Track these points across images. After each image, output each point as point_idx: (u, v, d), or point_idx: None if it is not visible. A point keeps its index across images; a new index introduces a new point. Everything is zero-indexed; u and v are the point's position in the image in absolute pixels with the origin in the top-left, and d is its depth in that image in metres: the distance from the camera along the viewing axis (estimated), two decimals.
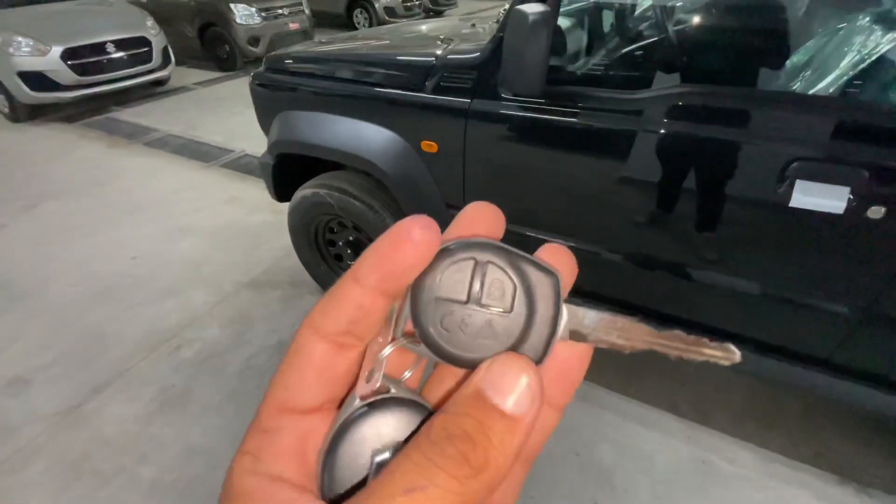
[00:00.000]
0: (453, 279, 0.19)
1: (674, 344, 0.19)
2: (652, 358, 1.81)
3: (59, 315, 2.11)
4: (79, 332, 2.02)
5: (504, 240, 0.20)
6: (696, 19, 1.68)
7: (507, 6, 2.20)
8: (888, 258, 1.05)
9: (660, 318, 1.41)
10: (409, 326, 0.19)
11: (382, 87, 1.47)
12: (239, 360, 1.88)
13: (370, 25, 8.98)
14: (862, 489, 1.43)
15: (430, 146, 1.45)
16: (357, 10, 9.02)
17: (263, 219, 2.77)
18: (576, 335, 0.20)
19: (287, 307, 2.15)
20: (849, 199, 1.00)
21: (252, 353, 1.91)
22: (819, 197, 1.03)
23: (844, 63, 1.36)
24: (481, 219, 0.21)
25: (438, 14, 11.22)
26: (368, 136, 1.52)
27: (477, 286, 0.19)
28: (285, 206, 1.98)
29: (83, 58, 4.32)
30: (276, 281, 2.29)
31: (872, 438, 1.56)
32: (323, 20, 8.93)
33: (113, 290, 2.25)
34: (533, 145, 1.32)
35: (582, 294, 1.52)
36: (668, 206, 1.21)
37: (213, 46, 6.11)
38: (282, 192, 1.98)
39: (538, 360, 0.19)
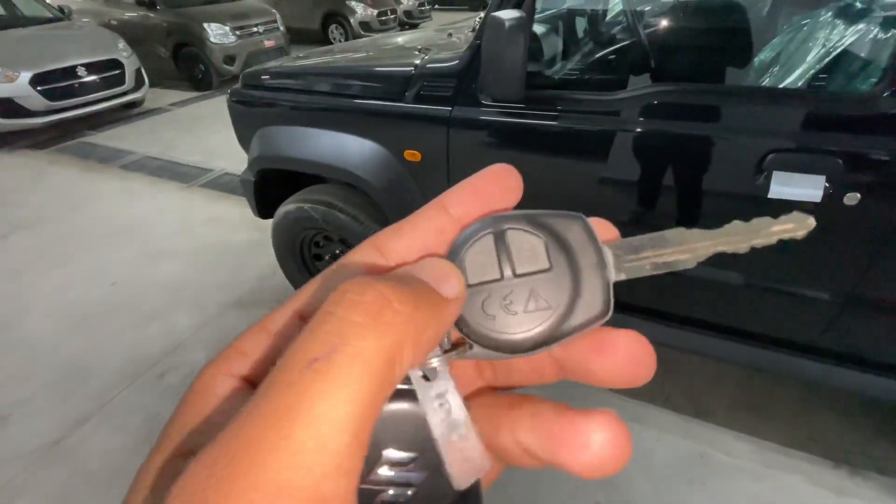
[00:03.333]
0: (478, 261, 0.17)
1: (736, 237, 0.18)
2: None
3: (37, 347, 2.04)
4: (58, 363, 1.95)
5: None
6: (666, 22, 1.73)
7: (482, 15, 2.23)
8: (866, 243, 1.08)
9: (650, 315, 1.42)
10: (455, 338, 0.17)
11: (362, 98, 1.47)
12: None
13: (346, 40, 9.02)
14: (855, 471, 1.45)
15: (413, 155, 1.45)
16: (332, 26, 9.06)
17: (247, 237, 2.73)
18: (630, 269, 0.18)
19: None
20: (825, 187, 1.03)
21: None
22: (796, 187, 1.06)
23: (810, 57, 1.41)
24: (492, 186, 0.19)
25: (414, 27, 11.36)
26: (351, 148, 1.52)
27: (505, 257, 0.17)
28: (268, 223, 1.96)
29: (53, 83, 4.23)
30: (263, 300, 2.25)
31: (861, 419, 1.59)
32: (298, 36, 8.93)
33: (92, 319, 2.18)
34: (515, 150, 1.33)
35: None
36: (651, 204, 1.23)
37: (187, 66, 6.06)
38: (264, 208, 1.95)
39: (605, 312, 0.17)
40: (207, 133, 4.48)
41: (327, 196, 1.71)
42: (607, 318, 0.17)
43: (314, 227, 1.79)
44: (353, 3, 8.93)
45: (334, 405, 0.11)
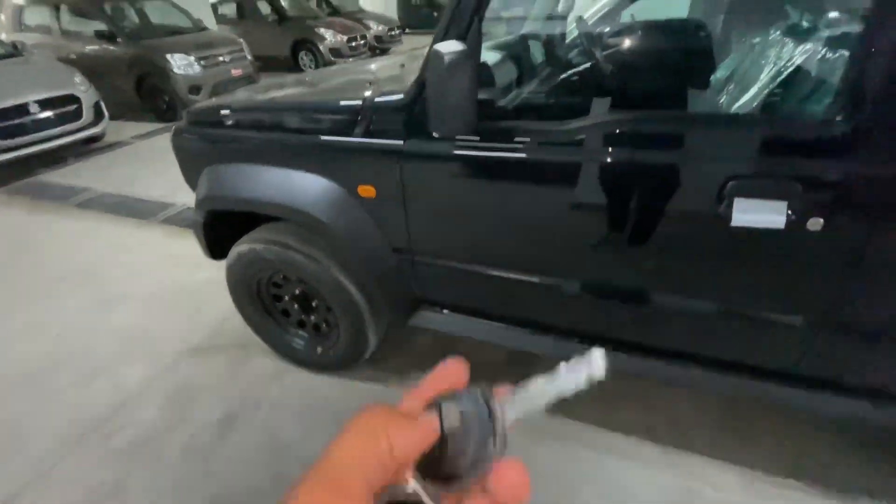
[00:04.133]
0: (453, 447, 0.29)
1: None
2: (624, 384, 1.76)
3: None
4: None
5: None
6: (622, 45, 1.72)
7: None
8: (832, 268, 1.04)
9: (622, 346, 1.36)
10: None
11: (311, 133, 1.39)
12: (180, 442, 1.68)
13: (316, 67, 9.02)
14: (845, 497, 1.39)
15: (367, 191, 1.38)
16: (302, 52, 9.06)
17: (207, 276, 2.59)
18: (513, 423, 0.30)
19: (234, 373, 1.97)
20: (787, 213, 0.99)
21: (194, 431, 1.72)
22: (758, 214, 1.01)
23: (764, 76, 1.40)
24: (446, 375, 0.33)
25: (384, 52, 11.47)
26: (302, 186, 1.44)
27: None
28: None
29: (5, 120, 4.06)
30: (222, 345, 2.12)
31: (845, 441, 1.55)
32: (268, 64, 8.90)
33: (33, 376, 2.01)
34: (471, 182, 1.27)
35: (543, 328, 1.46)
36: (614, 234, 1.18)
37: (151, 98, 5.93)
38: (216, 249, 1.84)
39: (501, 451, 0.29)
40: (170, 165, 4.29)
41: (281, 236, 1.61)
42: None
43: (270, 269, 1.69)
44: (322, 31, 8.97)
45: None
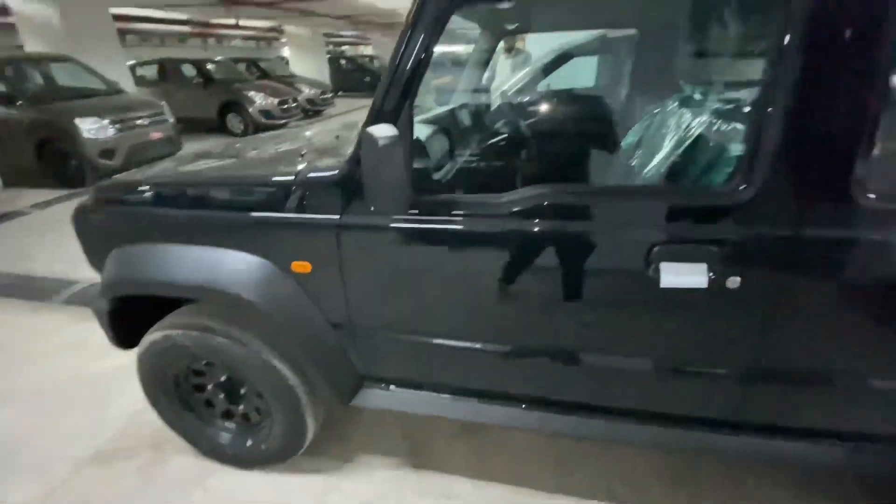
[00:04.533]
0: None
1: None
2: (575, 446, 1.74)
3: None
4: None
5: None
6: (539, 120, 1.86)
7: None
8: (754, 320, 1.12)
9: (564, 407, 1.35)
10: None
11: (241, 209, 1.31)
12: None
13: (245, 129, 8.90)
14: None
15: (302, 266, 1.30)
16: (230, 115, 8.91)
17: (113, 364, 2.28)
18: None
19: (147, 479, 1.69)
20: (709, 274, 1.06)
21: None
22: (683, 276, 1.07)
23: (667, 143, 1.56)
24: None
25: (317, 114, 11.63)
26: (230, 265, 1.33)
27: None
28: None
29: None
30: (131, 447, 1.82)
31: (790, 482, 1.61)
32: (194, 126, 8.64)
33: None
34: (411, 253, 1.25)
35: (490, 396, 1.41)
36: (550, 301, 1.19)
37: (54, 163, 5.44)
38: (126, 337, 1.63)
39: None
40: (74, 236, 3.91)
41: (201, 319, 1.47)
42: None
43: (188, 356, 1.52)
44: (252, 93, 8.94)
45: None
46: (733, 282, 1.06)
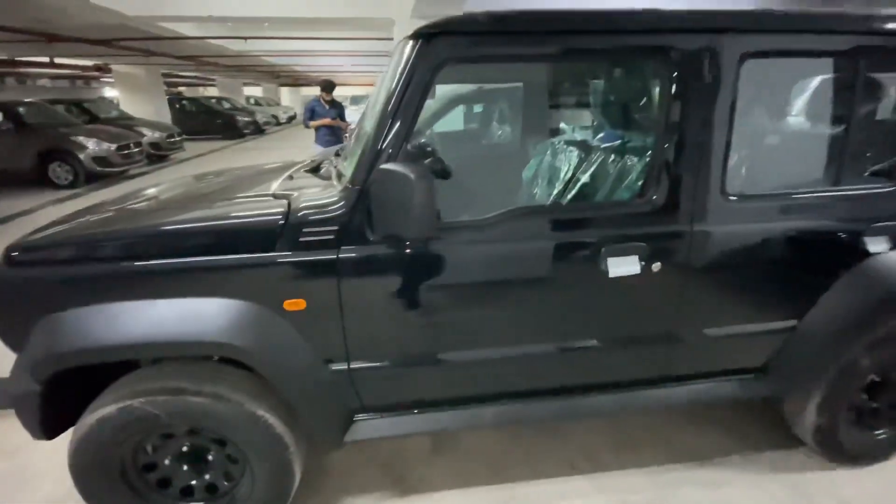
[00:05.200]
0: None
1: None
2: (539, 436, 1.96)
3: None
4: None
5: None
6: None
7: (313, 157, 2.26)
8: (674, 295, 1.50)
9: (552, 393, 1.58)
10: None
11: (220, 254, 1.26)
12: None
13: (75, 179, 7.57)
14: (713, 462, 1.85)
15: (295, 304, 1.31)
16: (54, 164, 7.47)
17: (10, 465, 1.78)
18: None
19: None
20: (640, 263, 1.41)
21: None
22: (624, 266, 1.41)
23: (562, 174, 1.95)
24: None
25: (163, 159, 10.42)
26: (210, 313, 1.25)
27: None
28: (28, 446, 1.36)
29: None
30: None
31: (699, 419, 2.07)
32: (6, 178, 7.03)
33: None
34: (423, 276, 1.36)
35: (482, 400, 1.56)
36: (538, 300, 1.43)
37: None
38: (53, 424, 1.37)
39: None
40: None
41: (171, 380, 1.33)
42: None
43: (146, 430, 1.34)
44: (82, 139, 7.68)
45: None
46: (656, 266, 1.43)
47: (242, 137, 15.26)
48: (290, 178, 1.74)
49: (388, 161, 1.20)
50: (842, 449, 1.78)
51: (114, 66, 13.31)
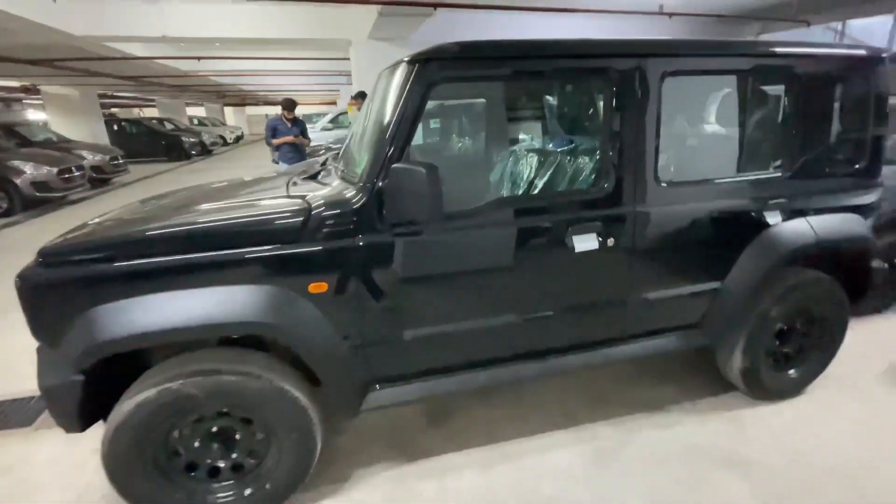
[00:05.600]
0: None
1: None
2: (522, 398, 2.24)
3: None
4: None
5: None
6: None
7: (322, 159, 2.44)
8: (625, 265, 1.85)
9: (536, 355, 1.87)
10: None
11: (254, 246, 1.46)
12: None
13: (11, 206, 7.15)
14: (666, 409, 2.21)
15: (318, 287, 1.52)
16: None
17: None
18: None
19: None
20: (598, 239, 1.75)
21: None
22: (585, 242, 1.75)
23: (534, 170, 2.30)
24: None
25: (105, 183, 9.97)
26: (249, 299, 1.45)
27: None
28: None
29: None
30: None
31: (652, 375, 2.44)
32: None
33: None
34: (433, 255, 1.62)
35: (481, 364, 1.82)
36: (524, 274, 1.73)
37: None
38: (88, 415, 1.49)
39: None
40: None
41: (204, 363, 1.49)
42: None
43: (183, 411, 1.49)
44: (17, 163, 7.28)
45: None
46: (610, 241, 1.78)
47: (189, 159, 14.82)
48: (294, 183, 1.95)
49: (395, 162, 1.46)
50: (764, 387, 2.20)
51: (43, 87, 12.58)
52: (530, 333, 1.84)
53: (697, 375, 2.45)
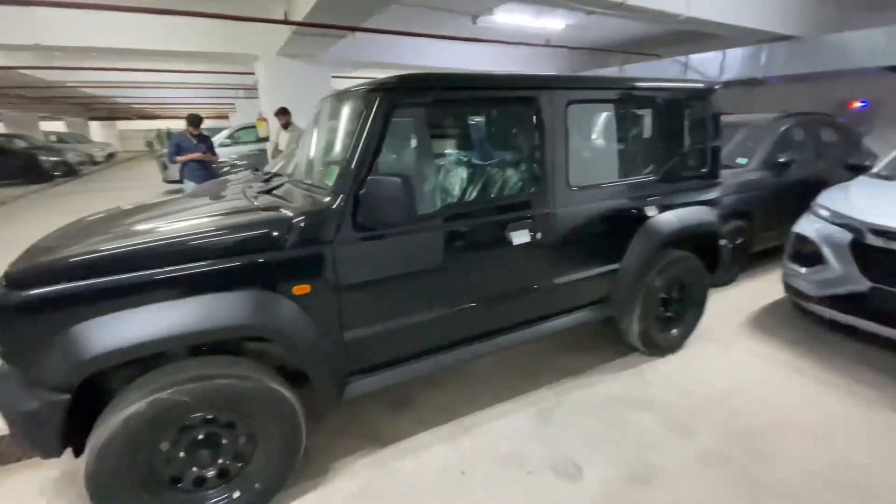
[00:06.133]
0: None
1: None
2: (477, 372, 2.57)
3: None
4: None
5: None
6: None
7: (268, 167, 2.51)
8: (549, 255, 2.28)
9: (483, 336, 2.20)
10: None
11: (239, 255, 1.58)
12: None
13: None
14: (586, 372, 2.68)
15: (302, 289, 1.68)
16: None
17: None
18: None
19: None
20: (529, 234, 2.15)
21: None
22: (520, 237, 2.13)
23: (469, 183, 2.66)
24: None
25: None
26: (241, 303, 1.56)
27: None
28: None
29: None
30: None
31: (571, 347, 2.91)
32: None
33: None
34: (402, 252, 1.87)
35: (434, 350, 2.09)
36: (474, 267, 2.05)
37: None
38: (66, 437, 1.47)
39: None
40: None
41: (194, 370, 1.56)
42: None
43: (172, 420, 1.54)
44: None
45: None
46: (539, 235, 2.19)
47: (51, 181, 12.86)
48: (255, 196, 2.07)
49: (365, 174, 1.70)
50: (656, 345, 2.79)
51: None
52: (483, 316, 2.17)
53: (606, 342, 2.99)
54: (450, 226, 1.97)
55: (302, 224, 1.67)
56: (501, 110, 2.52)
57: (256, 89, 11.39)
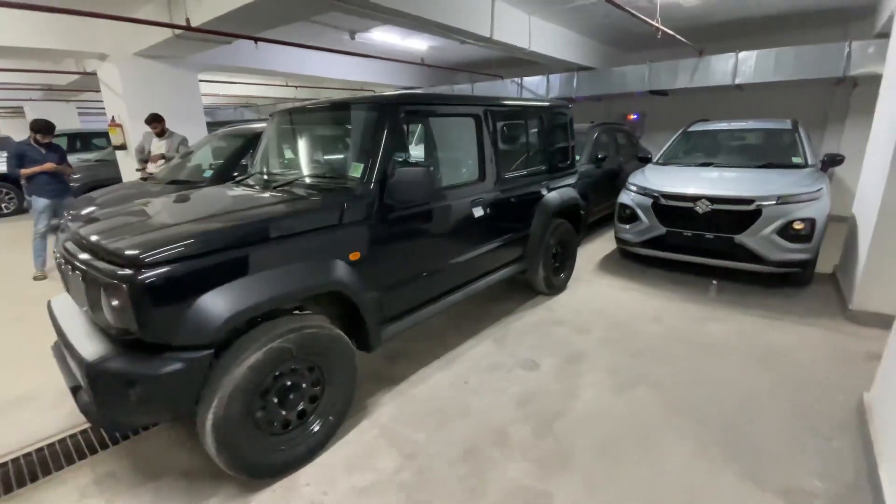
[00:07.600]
0: None
1: None
2: (443, 325, 3.29)
3: None
4: None
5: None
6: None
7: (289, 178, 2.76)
8: (494, 224, 3.18)
9: (463, 285, 2.99)
10: None
11: (316, 230, 2.06)
12: None
13: None
14: (514, 311, 3.66)
15: (355, 255, 2.22)
16: None
17: None
18: None
19: None
20: (482, 210, 3.02)
21: None
22: (479, 211, 2.99)
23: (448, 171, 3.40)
24: None
25: None
26: (325, 268, 2.05)
27: None
28: None
29: None
30: None
31: (495, 300, 3.86)
32: None
33: None
34: (419, 226, 2.52)
35: (439, 296, 2.79)
36: (460, 233, 2.82)
37: None
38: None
39: None
40: None
41: (288, 324, 1.95)
42: None
43: (280, 364, 1.93)
44: None
45: None
46: (488, 211, 3.07)
47: None
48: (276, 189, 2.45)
49: (387, 165, 2.32)
50: (553, 287, 3.96)
51: None
52: (463, 270, 2.96)
53: (518, 293, 4.06)
54: (440, 203, 2.70)
55: (352, 204, 2.21)
56: (461, 119, 3.31)
57: (57, 90, 9.52)
